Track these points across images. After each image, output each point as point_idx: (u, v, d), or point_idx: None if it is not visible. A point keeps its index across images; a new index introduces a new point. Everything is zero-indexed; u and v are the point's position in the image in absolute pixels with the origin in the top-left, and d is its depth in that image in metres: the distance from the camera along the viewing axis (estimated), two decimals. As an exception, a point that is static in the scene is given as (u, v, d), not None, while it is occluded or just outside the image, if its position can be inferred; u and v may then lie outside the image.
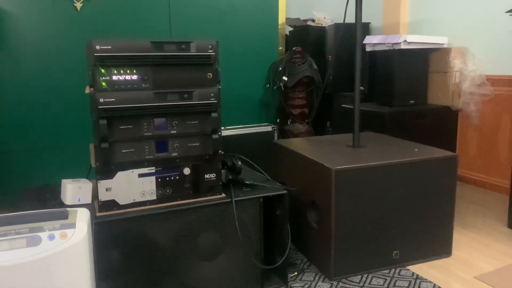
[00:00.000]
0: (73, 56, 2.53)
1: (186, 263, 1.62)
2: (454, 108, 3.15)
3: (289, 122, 3.33)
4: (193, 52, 1.53)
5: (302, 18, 4.57)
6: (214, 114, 1.59)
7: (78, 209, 1.22)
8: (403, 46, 3.02)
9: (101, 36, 2.64)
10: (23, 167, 2.50)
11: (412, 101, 3.23)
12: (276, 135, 2.99)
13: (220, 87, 1.61)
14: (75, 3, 2.58)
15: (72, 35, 2.59)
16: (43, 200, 1.62)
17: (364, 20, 4.10)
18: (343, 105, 3.54)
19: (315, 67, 3.28)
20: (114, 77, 1.45)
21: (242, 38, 3.17)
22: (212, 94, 1.57)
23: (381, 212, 1.91)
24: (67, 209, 1.21)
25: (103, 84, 1.44)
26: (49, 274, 1.09)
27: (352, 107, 3.34)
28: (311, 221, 2.00)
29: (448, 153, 2.02)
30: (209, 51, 1.55)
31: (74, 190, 1.60)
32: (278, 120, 3.36)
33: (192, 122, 1.58)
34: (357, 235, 1.88)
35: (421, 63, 3.24)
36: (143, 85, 1.49)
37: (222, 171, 1.75)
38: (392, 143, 2.29)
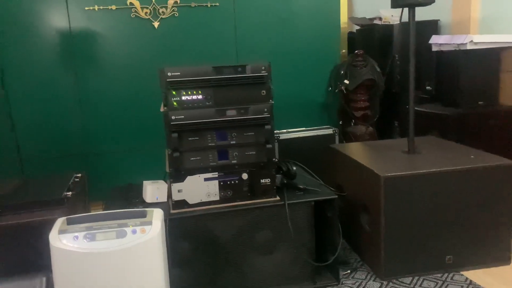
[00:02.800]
0: (151, 68, 2.88)
1: (244, 256, 1.85)
2: (528, 108, 3.00)
3: (352, 124, 3.41)
4: (248, 73, 1.75)
5: (368, 17, 4.56)
6: (267, 127, 1.79)
7: (154, 209, 1.50)
8: (469, 47, 2.95)
9: (174, 50, 2.99)
10: (112, 167, 2.93)
11: (481, 102, 3.13)
12: (337, 138, 3.10)
13: (272, 102, 1.80)
14: (153, 22, 2.94)
15: (151, 49, 2.95)
16: (128, 198, 1.95)
17: (432, 17, 4.04)
18: (407, 106, 3.52)
19: (378, 69, 3.32)
20: (183, 98, 1.72)
21: (304, 42, 3.31)
22: (265, 109, 1.77)
23: (433, 218, 1.96)
24: (146, 209, 1.50)
25: (174, 103, 1.72)
26: (133, 261, 1.40)
27: (418, 109, 3.35)
28: (364, 223, 2.12)
29: (505, 161, 2.00)
30: (262, 72, 1.75)
31: (153, 190, 1.91)
32: (340, 123, 3.46)
33: (249, 134, 1.81)
34: (408, 239, 1.96)
35: (492, 62, 3.12)
36: (207, 103, 1.75)
37: (278, 175, 1.96)
38: (450, 149, 2.30)
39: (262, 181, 1.84)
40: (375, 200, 1.95)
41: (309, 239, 1.90)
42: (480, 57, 3.05)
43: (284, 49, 3.27)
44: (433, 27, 3.97)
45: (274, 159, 1.84)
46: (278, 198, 1.86)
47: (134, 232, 1.40)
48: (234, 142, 1.80)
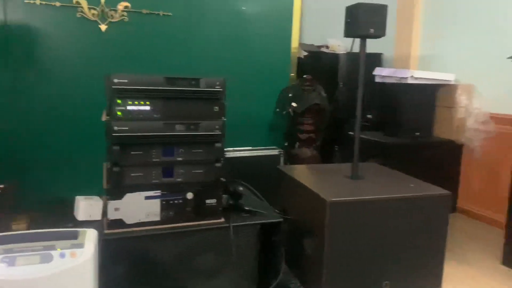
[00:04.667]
0: (94, 73, 2.70)
1: (185, 281, 1.73)
2: (458, 142, 3.22)
3: (296, 146, 3.43)
4: (202, 87, 1.67)
5: (316, 44, 4.71)
6: (217, 144, 1.72)
7: (88, 230, 1.35)
8: (410, 81, 3.12)
9: (122, 57, 2.83)
10: (43, 178, 2.66)
11: (417, 133, 3.31)
12: (282, 159, 3.10)
13: (225, 119, 1.74)
14: (100, 24, 2.77)
15: (95, 53, 2.77)
16: (58, 215, 1.76)
17: (376, 50, 4.25)
18: (349, 132, 3.63)
19: (324, 95, 3.39)
20: (129, 107, 1.60)
21: (256, 62, 3.30)
22: (217, 127, 1.70)
23: (373, 244, 1.99)
24: (78, 229, 1.34)
25: (118, 113, 1.59)
26: (58, 288, 1.22)
27: (360, 136, 3.45)
28: (307, 247, 2.10)
29: (441, 191, 2.10)
30: (217, 87, 1.69)
31: (86, 207, 1.75)
32: (285, 144, 3.47)
33: (197, 151, 1.72)
34: (349, 264, 1.96)
35: (429, 97, 3.33)
36: (154, 116, 1.63)
37: (224, 196, 1.88)
38: (390, 176, 2.37)
39: (208, 201, 1.75)
40: (320, 224, 1.94)
41: (252, 263, 1.84)
42: (419, 92, 3.24)
43: (235, 67, 3.24)
44: (376, 59, 4.18)
45: (221, 179, 1.77)
46: (223, 220, 1.78)
47: (62, 256, 1.23)
48: (181, 159, 1.70)
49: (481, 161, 3.13)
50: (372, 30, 2.13)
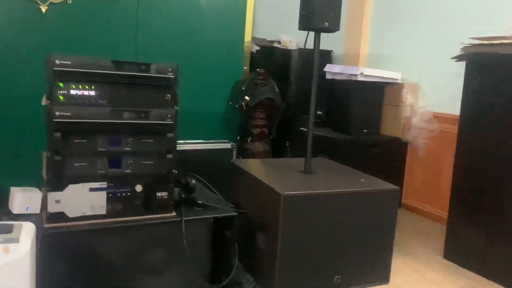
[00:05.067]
0: (33, 56, 2.49)
1: (133, 278, 1.63)
2: (404, 140, 3.34)
3: (249, 141, 3.40)
4: (152, 73, 1.57)
5: (269, 39, 4.70)
6: (169, 135, 1.63)
7: (24, 223, 1.22)
8: (359, 78, 3.19)
9: (64, 40, 2.63)
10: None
11: (365, 130, 3.40)
12: (234, 153, 3.05)
13: (178, 108, 1.65)
14: (40, 5, 2.55)
15: (34, 36, 2.55)
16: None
17: (326, 47, 4.31)
18: (301, 128, 3.66)
19: (277, 89, 3.38)
20: (72, 92, 1.47)
21: (208, 54, 3.21)
22: (169, 115, 1.61)
23: (325, 238, 2.00)
24: (12, 222, 1.20)
25: (60, 97, 1.45)
26: (-12, 288, 1.09)
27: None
28: (260, 242, 2.07)
29: (390, 186, 2.15)
30: (169, 73, 1.60)
31: (23, 199, 1.59)
32: (238, 138, 3.42)
33: (148, 141, 1.62)
34: (302, 259, 1.96)
35: (377, 95, 3.42)
36: (100, 102, 1.51)
37: (175, 189, 1.79)
38: (342, 171, 2.40)
39: (159, 194, 1.66)
40: (274, 218, 1.91)
41: (205, 259, 1.77)
42: (368, 89, 3.33)
43: (187, 58, 3.13)
44: (327, 56, 4.25)
45: (173, 171, 1.68)
46: (174, 214, 1.70)
47: (-8, 251, 1.10)
48: (129, 149, 1.59)
49: (425, 158, 3.28)
50: (326, 24, 2.13)
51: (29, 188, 1.63)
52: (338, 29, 2.19)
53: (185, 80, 3.12)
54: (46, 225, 1.48)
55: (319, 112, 4.01)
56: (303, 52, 4.04)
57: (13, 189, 1.61)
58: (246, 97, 3.25)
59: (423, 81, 3.31)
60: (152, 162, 1.63)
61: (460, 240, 2.45)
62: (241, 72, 3.45)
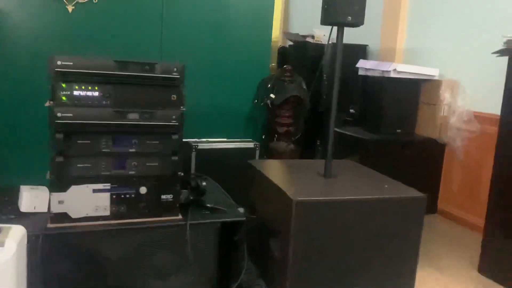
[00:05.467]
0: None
1: (136, 281, 1.61)
2: (440, 141, 3.12)
3: (274, 140, 3.31)
4: (157, 73, 1.53)
5: (302, 34, 4.57)
6: (174, 136, 1.58)
7: (13, 226, 1.22)
8: (392, 75, 3.00)
9: (90, 40, 2.67)
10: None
11: (399, 130, 3.20)
12: (257, 152, 2.97)
13: (184, 109, 1.60)
14: (67, 5, 2.60)
15: (61, 36, 2.60)
16: (-1, 205, 1.62)
17: (362, 42, 4.12)
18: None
19: (304, 86, 3.27)
20: (75, 93, 1.46)
21: (234, 50, 3.15)
22: (174, 117, 1.57)
23: (342, 246, 1.88)
24: (2, 225, 1.20)
25: (63, 98, 1.44)
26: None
27: (340, 130, 3.34)
28: (273, 248, 1.99)
29: (416, 193, 1.99)
30: (174, 73, 1.55)
31: (30, 197, 1.61)
32: (263, 137, 3.34)
33: (153, 142, 1.58)
34: (316, 268, 1.86)
35: (412, 92, 3.21)
36: (104, 102, 1.49)
37: (184, 191, 1.75)
38: (365, 176, 2.25)
39: (163, 197, 1.62)
40: (285, 225, 1.82)
41: (210, 264, 1.72)
42: (402, 86, 3.13)
43: (213, 55, 3.09)
44: (362, 51, 4.05)
45: (179, 173, 1.64)
46: (180, 217, 1.66)
47: (-26, 255, 1.10)
48: (134, 150, 1.56)
49: (463, 162, 3.04)
50: (349, 18, 2.00)
51: (38, 187, 1.65)
52: (362, 23, 2.05)
53: (210, 77, 3.12)
54: (49, 225, 1.49)
55: (351, 110, 3.84)
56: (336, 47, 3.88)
57: (22, 188, 1.63)
58: (272, 95, 3.16)
59: (463, 78, 3.07)
60: (157, 164, 1.60)
61: (497, 253, 2.24)
62: (268, 69, 3.36)
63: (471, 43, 3.02)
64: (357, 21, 2.02)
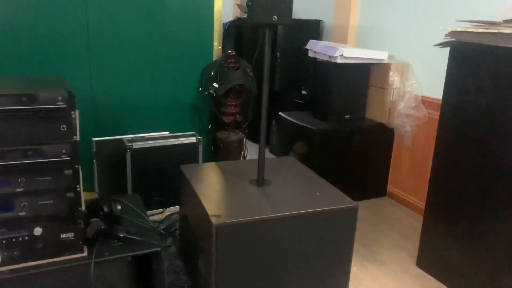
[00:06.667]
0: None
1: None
2: (389, 126, 3.03)
3: (221, 130, 3.16)
4: (39, 105, 1.34)
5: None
6: (67, 171, 1.42)
7: None
8: (339, 61, 2.84)
9: (11, 35, 2.40)
10: None
11: (347, 116, 3.09)
12: (200, 147, 2.82)
13: (78, 139, 1.43)
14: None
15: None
16: None
17: (316, 16, 3.89)
18: (279, 113, 3.38)
19: (250, 73, 3.08)
20: None
21: (172, 34, 2.91)
22: (63, 151, 1.40)
23: (270, 265, 1.80)
24: None
25: None
26: None
27: (290, 118, 3.20)
28: (200, 263, 1.90)
29: (348, 202, 1.90)
30: (59, 103, 1.36)
31: None
32: (209, 127, 3.19)
33: (44, 179, 1.42)
34: (243, 284, 1.78)
35: (361, 77, 3.07)
36: (-24, 143, 1.31)
37: (94, 220, 1.62)
38: (300, 181, 2.13)
39: (63, 236, 1.48)
40: (208, 244, 1.72)
41: (126, 298, 1.62)
42: (351, 71, 2.97)
43: (147, 40, 2.84)
44: (315, 27, 3.84)
45: (80, 209, 1.49)
46: (85, 254, 1.53)
47: None
48: (21, 189, 1.40)
49: (412, 146, 2.97)
50: (275, 18, 1.81)
51: None
52: (290, 22, 1.86)
53: (146, 64, 2.88)
54: None
55: (303, 92, 3.70)
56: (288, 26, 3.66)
57: None
58: (215, 84, 2.97)
59: (413, 61, 2.93)
60: (52, 202, 1.45)
61: (434, 246, 2.21)
62: (211, 50, 3.12)
63: (423, 25, 2.85)
64: (284, 21, 1.83)
